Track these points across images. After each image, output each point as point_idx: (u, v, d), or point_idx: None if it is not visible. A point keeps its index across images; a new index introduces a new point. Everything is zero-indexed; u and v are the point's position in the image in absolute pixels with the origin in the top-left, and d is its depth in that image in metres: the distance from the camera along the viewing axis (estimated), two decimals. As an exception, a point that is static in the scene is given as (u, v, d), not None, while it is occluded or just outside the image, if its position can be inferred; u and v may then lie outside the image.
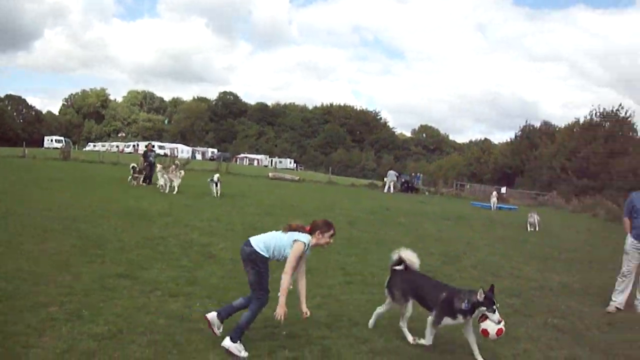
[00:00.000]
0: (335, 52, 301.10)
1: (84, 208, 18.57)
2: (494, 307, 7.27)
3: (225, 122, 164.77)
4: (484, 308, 7.32)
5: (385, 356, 7.43)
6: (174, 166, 31.97)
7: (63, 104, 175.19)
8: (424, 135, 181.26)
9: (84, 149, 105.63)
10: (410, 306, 8.10)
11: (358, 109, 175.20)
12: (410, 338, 8.01)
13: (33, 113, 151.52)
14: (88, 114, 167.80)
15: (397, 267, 8.43)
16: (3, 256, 10.93)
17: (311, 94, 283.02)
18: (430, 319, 7.77)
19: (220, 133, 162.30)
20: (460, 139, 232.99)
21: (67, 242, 12.69)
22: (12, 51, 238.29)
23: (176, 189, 28.06)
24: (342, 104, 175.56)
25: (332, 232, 7.60)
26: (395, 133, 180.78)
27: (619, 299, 11.66)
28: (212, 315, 7.51)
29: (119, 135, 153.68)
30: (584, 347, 8.48)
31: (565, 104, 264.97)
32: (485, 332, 7.31)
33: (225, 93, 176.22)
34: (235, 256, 12.79)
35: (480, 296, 7.31)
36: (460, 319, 7.53)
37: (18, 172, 33.17)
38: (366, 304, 9.98)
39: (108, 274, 10.11)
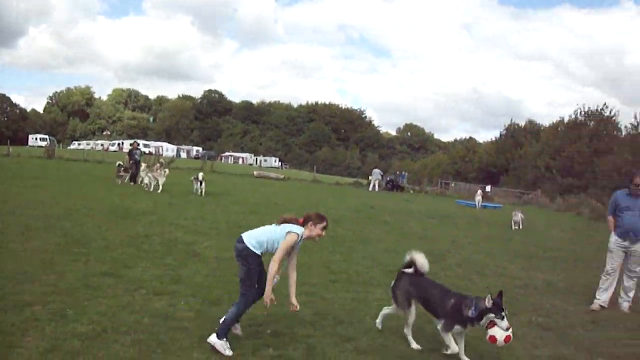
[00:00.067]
0: (321, 50, 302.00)
1: (68, 206, 18.49)
2: (503, 313, 7.14)
3: (210, 120, 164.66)
4: (492, 315, 7.17)
5: (370, 355, 7.43)
6: (158, 164, 31.92)
7: (48, 102, 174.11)
8: (409, 133, 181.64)
9: (69, 148, 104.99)
10: (413, 312, 7.94)
11: (343, 108, 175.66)
12: (414, 345, 7.89)
13: (17, 111, 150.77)
14: (73, 112, 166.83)
15: (407, 270, 8.19)
16: (-14, 255, 10.89)
17: (296, 92, 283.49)
18: (440, 327, 7.61)
19: (205, 131, 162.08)
20: (445, 137, 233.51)
21: (51, 241, 12.63)
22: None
23: (161, 187, 27.97)
24: (327, 103, 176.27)
25: (324, 224, 7.63)
26: (380, 132, 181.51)
27: (603, 297, 11.72)
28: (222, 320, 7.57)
29: (104, 133, 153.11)
30: (568, 346, 8.51)
31: (550, 102, 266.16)
32: (493, 339, 7.19)
33: (210, 91, 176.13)
34: (220, 254, 12.88)
35: (488, 302, 7.15)
36: (469, 326, 7.43)
37: (2, 170, 32.93)
38: (351, 302, 10.01)
39: (92, 273, 10.06)
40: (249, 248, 7.31)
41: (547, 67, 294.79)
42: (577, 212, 43.76)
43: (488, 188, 61.72)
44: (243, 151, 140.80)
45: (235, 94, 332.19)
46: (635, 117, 62.57)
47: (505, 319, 7.11)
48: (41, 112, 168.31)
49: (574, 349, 8.44)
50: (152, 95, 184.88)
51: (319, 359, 7.08)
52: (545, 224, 31.51)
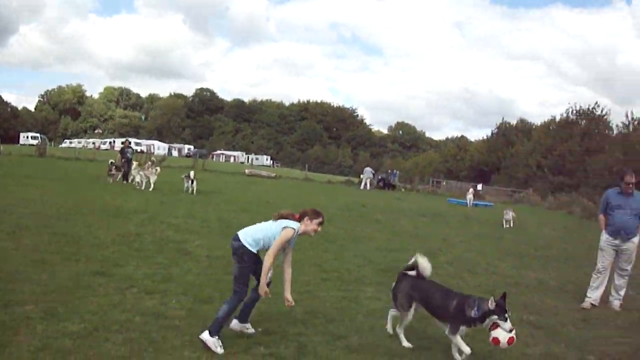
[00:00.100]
0: (313, 48, 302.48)
1: (60, 205, 18.44)
2: (506, 315, 7.10)
3: (202, 118, 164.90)
4: (496, 316, 7.11)
5: (361, 353, 7.43)
6: (149, 163, 31.92)
7: (39, 100, 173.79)
8: (401, 132, 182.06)
9: (60, 146, 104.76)
10: (411, 314, 7.87)
11: (335, 106, 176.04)
12: (405, 343, 7.87)
13: (9, 109, 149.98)
14: (64, 111, 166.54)
15: (409, 273, 8.13)
16: (-23, 254, 10.87)
17: (288, 90, 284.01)
18: (447, 332, 7.49)
19: (197, 130, 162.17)
20: (437, 136, 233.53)
21: (42, 240, 12.60)
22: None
23: (152, 185, 27.97)
24: (319, 101, 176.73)
25: (320, 219, 7.65)
26: (372, 130, 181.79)
27: (594, 296, 11.75)
28: (234, 324, 7.73)
29: (96, 131, 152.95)
30: (559, 344, 8.52)
31: (542, 102, 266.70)
32: (496, 341, 7.11)
33: (202, 89, 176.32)
34: (211, 253, 12.89)
35: (491, 304, 7.10)
36: (472, 326, 7.38)
37: (-7, 168, 32.91)
38: (342, 300, 10.02)
39: (83, 272, 10.04)
40: (244, 246, 7.33)
41: (539, 67, 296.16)
42: (568, 210, 43.86)
43: (479, 186, 61.89)
44: (235, 149, 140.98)
45: (227, 93, 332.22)
46: (627, 116, 62.95)
47: (508, 320, 7.06)
48: (32, 110, 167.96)
49: (565, 347, 8.45)
50: (143, 94, 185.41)
51: (310, 357, 7.07)
52: (537, 223, 31.59)
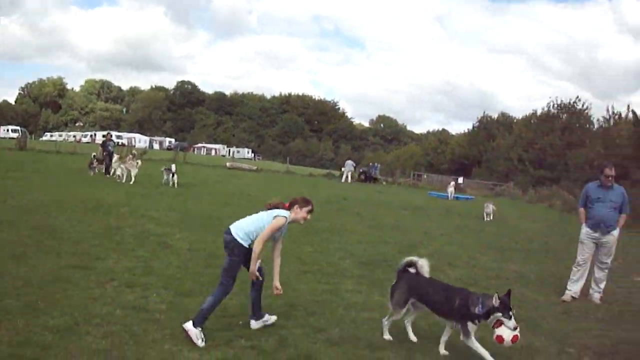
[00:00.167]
0: (295, 41, 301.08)
1: (40, 198, 18.35)
2: (510, 313, 7.00)
3: (183, 111, 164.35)
4: (500, 314, 7.01)
5: (342, 345, 7.46)
6: (130, 156, 31.79)
7: (19, 93, 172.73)
8: (382, 125, 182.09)
9: (41, 139, 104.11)
10: (403, 312, 7.83)
11: (316, 99, 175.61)
12: (387, 336, 7.90)
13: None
14: (45, 104, 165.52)
15: (409, 270, 8.02)
16: (-44, 247, 10.83)
17: (270, 83, 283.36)
18: (462, 338, 7.34)
19: (178, 122, 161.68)
20: (418, 129, 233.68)
21: (22, 233, 12.53)
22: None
23: (133, 179, 27.89)
24: (300, 94, 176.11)
25: (309, 207, 7.75)
26: (354, 123, 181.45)
27: (574, 288, 11.84)
28: (254, 325, 7.85)
29: (77, 124, 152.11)
30: (539, 336, 8.56)
31: (523, 96, 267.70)
32: (500, 339, 7.02)
33: (183, 82, 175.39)
34: (192, 246, 12.90)
35: (495, 301, 7.02)
36: (476, 323, 7.26)
37: (-28, 162, 32.74)
38: (323, 293, 10.05)
39: (64, 265, 10.03)
40: (236, 240, 7.40)
41: (521, 60, 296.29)
42: (549, 204, 44.14)
43: (460, 180, 61.98)
44: (216, 142, 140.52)
45: (208, 85, 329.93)
46: (608, 111, 63.05)
47: (512, 318, 6.97)
48: (13, 103, 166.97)
49: (545, 339, 8.50)
50: (124, 86, 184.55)
51: (290, 350, 7.08)
52: (518, 216, 31.80)
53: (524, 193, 53.42)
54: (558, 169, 63.09)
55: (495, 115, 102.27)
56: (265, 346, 7.12)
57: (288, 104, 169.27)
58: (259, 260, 7.55)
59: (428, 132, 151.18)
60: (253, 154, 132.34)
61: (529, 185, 58.41)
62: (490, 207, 27.58)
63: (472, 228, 23.24)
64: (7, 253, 10.56)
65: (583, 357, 8.04)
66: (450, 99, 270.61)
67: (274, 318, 7.98)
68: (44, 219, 14.54)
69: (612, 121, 58.61)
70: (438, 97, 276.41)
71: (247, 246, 7.41)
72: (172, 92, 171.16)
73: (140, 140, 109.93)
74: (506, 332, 6.96)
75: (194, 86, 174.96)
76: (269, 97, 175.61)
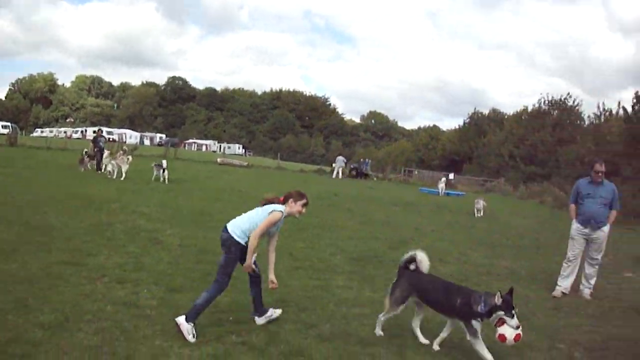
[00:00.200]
0: (286, 37, 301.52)
1: (30, 194, 18.29)
2: (513, 311, 6.99)
3: (174, 107, 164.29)
4: (502, 312, 6.99)
5: (332, 341, 7.47)
6: (121, 152, 31.74)
7: (10, 89, 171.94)
8: (373, 121, 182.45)
9: (32, 135, 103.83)
10: (400, 310, 7.79)
11: (307, 95, 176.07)
12: (378, 331, 7.91)
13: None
14: (35, 99, 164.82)
15: (410, 267, 7.98)
16: (-54, 243, 10.80)
17: (260, 79, 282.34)
18: (469, 338, 7.26)
19: (169, 118, 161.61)
20: (409, 125, 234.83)
21: (13, 230, 12.50)
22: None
23: (124, 174, 27.86)
24: (291, 90, 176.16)
25: (304, 200, 7.81)
26: (345, 119, 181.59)
27: (564, 284, 11.89)
28: (258, 321, 7.89)
29: (67, 120, 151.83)
30: (530, 332, 8.55)
31: (514, 92, 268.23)
32: (502, 338, 7.02)
33: (174, 78, 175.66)
34: (183, 242, 12.88)
35: (498, 300, 6.99)
36: (479, 321, 7.19)
37: (-38, 158, 32.64)
38: (314, 289, 10.05)
39: (54, 262, 9.99)
40: (232, 238, 7.43)
41: (512, 57, 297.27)
42: (540, 200, 44.15)
43: (451, 176, 62.10)
44: (207, 138, 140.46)
45: (199, 81, 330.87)
46: (598, 107, 63.29)
47: (515, 317, 6.98)
48: (3, 99, 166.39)
49: (535, 335, 8.52)
50: (115, 82, 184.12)
51: (281, 346, 7.09)
52: (508, 212, 31.82)
53: (514, 189, 53.41)
54: (549, 165, 63.13)
55: (486, 112, 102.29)
56: (255, 342, 7.12)
57: (279, 99, 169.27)
58: (255, 254, 7.55)
59: (419, 128, 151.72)
60: (244, 150, 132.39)
61: (519, 181, 58.42)
62: (480, 203, 27.62)
63: (463, 224, 23.26)
64: (-3, 249, 10.54)
65: (573, 352, 8.06)
66: (441, 95, 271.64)
67: (278, 312, 8.02)
68: (35, 215, 14.50)
69: (602, 118, 58.74)
70: (429, 93, 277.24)
71: (244, 244, 7.44)
72: (163, 87, 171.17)
73: (131, 136, 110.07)
74: (509, 330, 6.96)
75: (184, 82, 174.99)
76: (259, 92, 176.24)
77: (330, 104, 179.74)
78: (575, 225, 11.94)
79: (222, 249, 7.55)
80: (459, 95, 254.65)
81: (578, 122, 71.17)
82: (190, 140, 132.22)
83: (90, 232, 13.13)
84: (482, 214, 27.27)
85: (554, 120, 70.47)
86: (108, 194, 20.47)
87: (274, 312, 7.97)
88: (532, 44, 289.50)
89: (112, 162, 28.72)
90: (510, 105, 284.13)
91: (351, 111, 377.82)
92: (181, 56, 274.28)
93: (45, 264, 9.74)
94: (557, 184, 48.36)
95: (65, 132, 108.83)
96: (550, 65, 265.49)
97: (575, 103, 72.73)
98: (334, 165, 56.99)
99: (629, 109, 46.72)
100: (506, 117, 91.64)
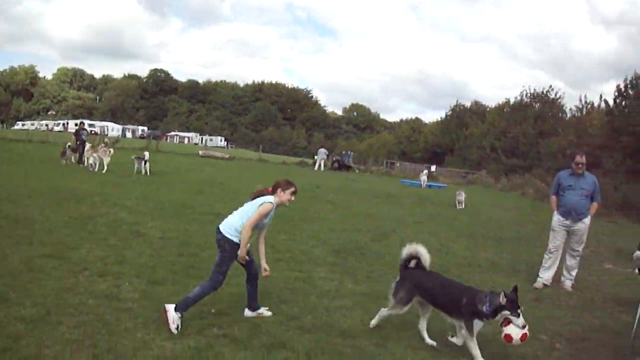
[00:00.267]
0: (268, 29, 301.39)
1: (11, 188, 18.17)
2: (518, 310, 6.86)
3: (156, 99, 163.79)
4: (507, 312, 6.87)
5: (314, 333, 7.49)
6: (103, 144, 31.64)
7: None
8: (355, 113, 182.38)
9: (13, 128, 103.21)
10: (404, 310, 7.68)
11: (289, 87, 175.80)
12: (374, 322, 7.91)
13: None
14: (16, 92, 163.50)
15: (411, 265, 7.86)
16: None
17: (242, 71, 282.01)
18: (464, 333, 7.26)
19: (151, 111, 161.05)
20: (391, 117, 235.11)
21: (-7, 223, 12.48)
22: None
23: (105, 167, 27.78)
24: (273, 82, 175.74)
25: (293, 189, 7.91)
26: (327, 111, 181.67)
27: (545, 276, 11.96)
28: (247, 314, 7.97)
29: (49, 113, 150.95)
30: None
31: (496, 85, 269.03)
32: (508, 338, 6.91)
33: (156, 70, 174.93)
34: (164, 234, 12.86)
35: (502, 299, 6.85)
36: (484, 320, 7.12)
37: (-58, 150, 32.46)
38: (295, 281, 10.08)
39: (35, 255, 9.94)
40: (227, 237, 7.48)
41: (494, 49, 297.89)
42: (521, 192, 44.30)
43: (433, 168, 62.24)
44: (189, 131, 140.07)
45: (181, 73, 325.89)
46: (580, 100, 63.58)
47: (521, 316, 6.87)
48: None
49: (516, 326, 8.56)
50: (97, 75, 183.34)
51: (263, 338, 7.10)
52: (490, 204, 31.90)
53: (496, 181, 53.55)
54: (530, 158, 63.37)
55: (468, 104, 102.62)
56: (237, 334, 7.12)
57: (261, 92, 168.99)
58: (249, 245, 7.60)
59: (401, 121, 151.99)
60: (226, 142, 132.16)
61: (501, 173, 58.66)
62: (462, 195, 27.69)
63: (445, 216, 23.32)
64: (-23, 243, 10.49)
65: (555, 344, 8.13)
66: (423, 88, 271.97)
67: (268, 314, 8.02)
68: (16, 209, 14.41)
69: (584, 110, 59.14)
70: (411, 85, 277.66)
71: (239, 242, 7.47)
72: (145, 80, 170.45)
73: (113, 129, 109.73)
74: (515, 330, 6.87)
75: (167, 74, 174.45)
76: (242, 85, 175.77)
77: (312, 97, 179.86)
78: (556, 217, 12.01)
79: (217, 249, 7.58)
80: (441, 88, 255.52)
81: (560, 114, 71.56)
82: (172, 133, 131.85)
83: (72, 225, 13.09)
84: (463, 206, 27.34)
85: (536, 113, 70.83)
86: (90, 187, 20.38)
87: (265, 312, 8.00)
88: (514, 37, 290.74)
89: (94, 155, 28.60)
90: (492, 97, 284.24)
91: (333, 103, 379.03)
92: (163, 48, 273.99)
93: (26, 258, 9.69)
94: (538, 176, 48.52)
95: (46, 125, 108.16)
96: (532, 58, 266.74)
97: (557, 96, 73.33)
98: (316, 157, 57.02)
99: (611, 102, 47.07)
100: (488, 109, 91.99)
